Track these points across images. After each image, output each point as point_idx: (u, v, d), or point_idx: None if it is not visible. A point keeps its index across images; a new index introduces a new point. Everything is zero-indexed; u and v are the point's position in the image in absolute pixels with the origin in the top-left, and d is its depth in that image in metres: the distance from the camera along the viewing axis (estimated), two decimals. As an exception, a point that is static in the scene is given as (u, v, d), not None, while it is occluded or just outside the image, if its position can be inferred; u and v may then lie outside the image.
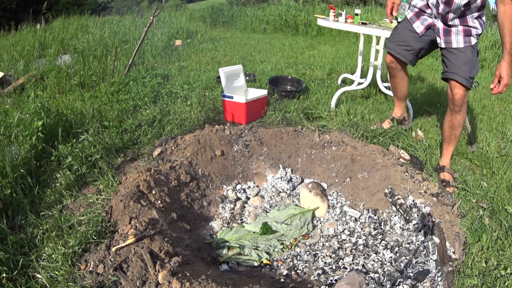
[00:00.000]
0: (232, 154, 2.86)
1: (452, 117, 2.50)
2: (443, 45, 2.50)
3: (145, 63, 5.52)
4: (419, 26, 2.61)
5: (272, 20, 10.10)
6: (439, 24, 2.50)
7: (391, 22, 2.93)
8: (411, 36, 2.64)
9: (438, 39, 2.54)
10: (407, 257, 1.89)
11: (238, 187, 2.77)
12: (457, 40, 2.44)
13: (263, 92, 3.50)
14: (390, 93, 3.72)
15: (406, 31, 2.67)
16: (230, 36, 8.89)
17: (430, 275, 1.79)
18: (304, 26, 9.47)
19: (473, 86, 2.42)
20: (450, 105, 2.47)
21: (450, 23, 2.45)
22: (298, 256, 2.21)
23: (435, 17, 2.52)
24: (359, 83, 3.93)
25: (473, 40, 2.42)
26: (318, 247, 2.26)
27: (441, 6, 2.44)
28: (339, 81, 4.52)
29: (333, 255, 2.13)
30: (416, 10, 2.62)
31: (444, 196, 2.43)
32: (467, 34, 2.42)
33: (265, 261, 2.17)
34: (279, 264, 2.16)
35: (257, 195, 2.72)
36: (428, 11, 2.56)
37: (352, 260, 2.03)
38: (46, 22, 8.64)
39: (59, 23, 8.26)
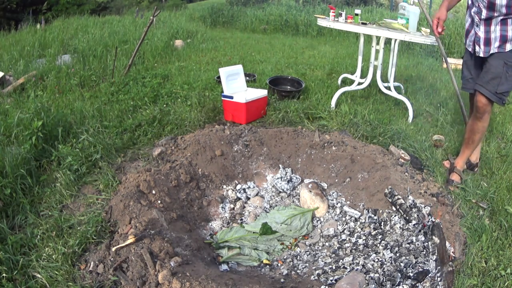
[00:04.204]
0: (232, 154, 2.86)
1: (473, 122, 2.56)
2: (481, 54, 2.48)
3: (145, 63, 5.52)
4: (469, 45, 2.59)
5: (272, 20, 10.10)
6: (480, 33, 2.46)
7: (438, 36, 2.82)
8: (471, 65, 2.64)
9: (477, 47, 2.50)
10: (407, 257, 1.89)
11: (238, 187, 2.77)
12: (494, 47, 2.41)
13: (263, 92, 3.50)
14: (390, 93, 3.72)
15: (465, 62, 2.69)
16: (230, 36, 8.89)
17: (430, 275, 1.79)
18: (304, 26, 9.47)
19: (503, 102, 2.44)
20: (474, 110, 2.54)
21: (492, 30, 2.40)
22: (298, 256, 2.21)
23: (477, 25, 2.48)
24: (359, 83, 3.93)
25: (508, 47, 2.36)
26: (318, 247, 2.26)
27: (484, 12, 2.39)
28: (339, 81, 4.52)
29: (333, 255, 2.13)
30: (467, 30, 2.60)
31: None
32: (503, 40, 2.37)
33: (265, 261, 2.17)
34: (279, 264, 2.16)
35: (257, 195, 2.72)
36: (473, 24, 2.52)
37: (352, 260, 2.03)
38: (46, 22, 8.65)
39: (59, 23, 8.27)
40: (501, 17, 2.34)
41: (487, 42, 2.43)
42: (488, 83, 2.41)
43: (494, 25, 2.38)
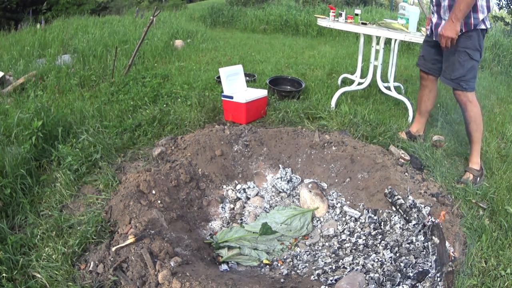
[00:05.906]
0: (232, 154, 2.86)
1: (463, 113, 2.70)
2: (434, 38, 2.67)
3: (145, 63, 5.52)
4: (428, 29, 2.77)
5: (272, 20, 10.09)
6: (434, 19, 2.64)
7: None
8: (428, 48, 2.80)
9: (432, 32, 2.69)
10: (407, 257, 1.89)
11: (238, 187, 2.76)
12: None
13: (263, 92, 3.50)
14: (390, 93, 3.72)
15: (424, 43, 2.86)
16: (230, 36, 8.89)
17: (430, 275, 1.79)
18: (304, 26, 9.47)
19: (463, 87, 2.54)
20: None
21: (442, 15, 2.55)
22: (298, 256, 2.21)
23: (432, 13, 2.66)
24: (359, 83, 3.93)
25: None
26: (318, 247, 2.26)
27: None
28: (339, 81, 4.52)
29: (333, 255, 2.13)
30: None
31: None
32: None
33: (265, 261, 2.17)
34: (279, 264, 2.16)
35: (257, 195, 2.72)
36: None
37: (352, 260, 2.03)
38: (46, 22, 8.65)
39: (59, 23, 8.27)
40: (448, 3, 2.47)
41: (437, 27, 2.61)
42: (445, 72, 2.60)
43: (443, 12, 2.54)
